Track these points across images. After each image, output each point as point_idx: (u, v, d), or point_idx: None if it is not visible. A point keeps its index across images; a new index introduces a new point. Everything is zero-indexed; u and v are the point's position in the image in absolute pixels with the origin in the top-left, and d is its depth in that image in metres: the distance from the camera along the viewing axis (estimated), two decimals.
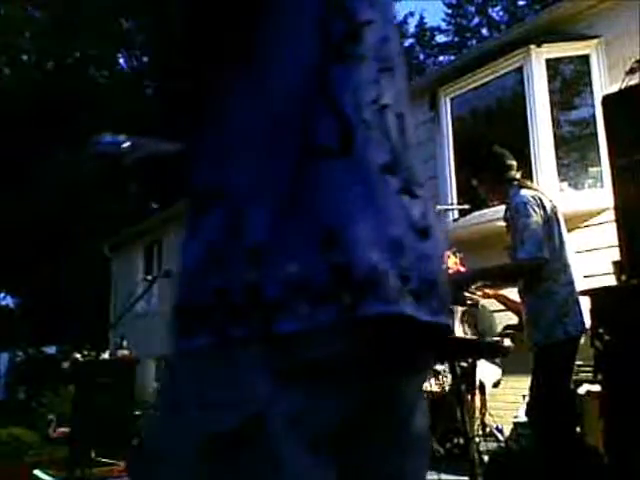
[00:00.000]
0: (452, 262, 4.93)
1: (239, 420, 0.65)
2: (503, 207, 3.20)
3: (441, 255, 0.88)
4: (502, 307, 4.55)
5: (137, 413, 7.58)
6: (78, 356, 7.56)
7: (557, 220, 3.02)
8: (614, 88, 4.25)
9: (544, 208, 2.97)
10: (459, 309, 5.00)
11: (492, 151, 3.30)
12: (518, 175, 3.18)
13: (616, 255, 3.15)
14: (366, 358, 0.72)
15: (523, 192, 3.01)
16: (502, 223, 3.21)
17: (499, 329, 4.91)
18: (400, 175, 0.82)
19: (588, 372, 3.70)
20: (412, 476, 0.87)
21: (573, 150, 5.91)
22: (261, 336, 0.67)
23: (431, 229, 0.83)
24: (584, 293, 2.94)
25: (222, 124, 0.80)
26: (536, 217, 2.90)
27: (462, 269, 4.79)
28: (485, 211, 5.03)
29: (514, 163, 3.20)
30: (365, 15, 0.84)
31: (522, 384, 4.36)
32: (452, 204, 6.19)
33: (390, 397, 0.82)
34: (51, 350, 14.91)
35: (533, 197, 2.98)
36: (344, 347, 0.69)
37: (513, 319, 4.24)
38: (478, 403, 4.95)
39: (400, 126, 0.88)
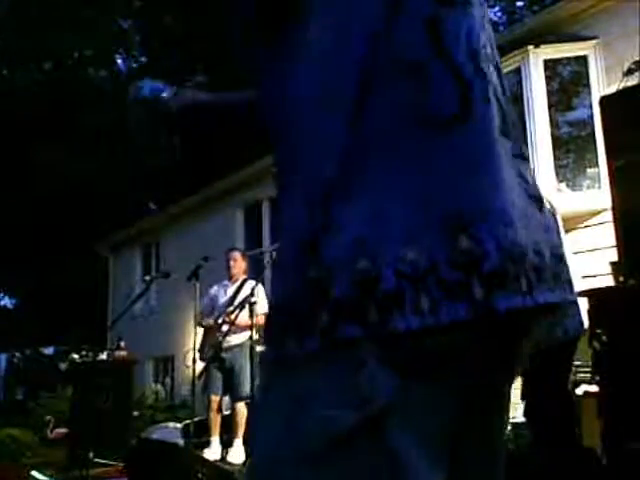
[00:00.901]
0: None
1: (360, 419, 0.61)
2: None
3: (557, 225, 0.78)
4: None
5: (135, 414, 7.58)
6: (76, 357, 7.55)
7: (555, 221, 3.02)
8: (612, 89, 4.26)
9: None
10: None
11: None
12: None
13: (614, 256, 3.15)
14: (484, 353, 0.66)
15: None
16: None
17: None
18: (511, 136, 0.73)
19: (586, 373, 3.70)
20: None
21: (571, 151, 5.92)
22: (377, 334, 0.60)
23: (543, 197, 0.75)
24: (582, 294, 2.94)
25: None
26: None
27: None
28: None
29: None
30: None
31: (520, 384, 4.36)
32: None
33: (493, 397, 0.77)
34: (49, 351, 14.90)
35: None
36: (467, 343, 0.62)
37: None
38: None
39: (501, 78, 0.77)
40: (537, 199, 0.72)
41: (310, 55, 0.68)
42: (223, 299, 5.62)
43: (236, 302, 5.44)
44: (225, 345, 5.27)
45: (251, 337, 5.27)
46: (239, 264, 5.80)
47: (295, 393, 0.64)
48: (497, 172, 0.65)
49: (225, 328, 5.33)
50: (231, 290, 5.64)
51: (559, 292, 0.69)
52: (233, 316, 5.18)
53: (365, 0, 0.67)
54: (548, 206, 0.75)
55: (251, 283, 5.65)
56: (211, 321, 5.54)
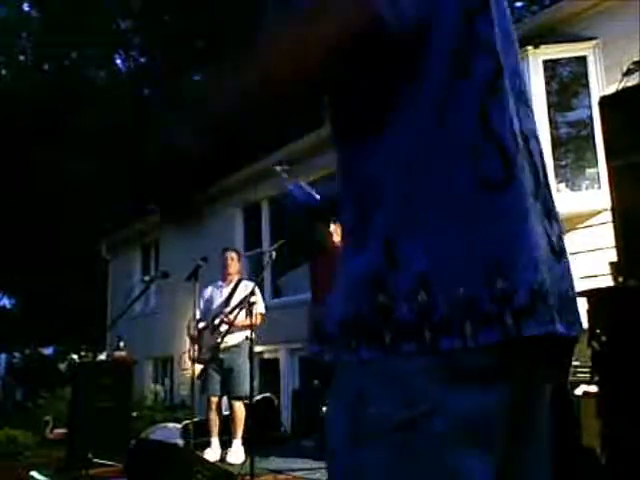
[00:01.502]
0: None
1: (408, 416, 0.77)
2: None
3: (570, 273, 0.98)
4: None
5: (134, 414, 7.57)
6: (75, 357, 7.55)
7: None
8: (611, 89, 4.26)
9: None
10: None
11: None
12: None
13: (613, 256, 3.15)
14: (517, 367, 0.82)
15: None
16: None
17: None
18: (541, 198, 0.93)
19: (585, 373, 3.70)
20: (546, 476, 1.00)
21: (570, 151, 5.92)
22: (429, 351, 0.77)
23: (564, 251, 0.96)
24: (581, 294, 2.94)
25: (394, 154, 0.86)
26: None
27: None
28: None
29: None
30: (498, 55, 0.92)
31: None
32: None
33: (533, 403, 0.92)
34: (48, 351, 14.91)
35: None
36: (500, 360, 0.79)
37: None
38: None
39: (539, 149, 0.99)
40: (558, 253, 0.92)
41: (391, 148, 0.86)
42: (219, 300, 5.62)
43: (233, 302, 5.45)
44: (223, 346, 5.27)
45: (247, 337, 5.33)
46: (235, 264, 5.80)
47: (359, 390, 0.81)
48: (529, 229, 0.84)
49: (223, 329, 5.34)
50: (227, 291, 5.64)
51: (573, 327, 0.91)
52: (232, 316, 5.18)
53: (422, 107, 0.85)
54: (565, 258, 0.95)
55: (247, 283, 5.66)
56: (204, 323, 5.52)
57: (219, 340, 5.24)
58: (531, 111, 1.00)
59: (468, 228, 0.81)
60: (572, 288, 0.97)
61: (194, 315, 5.52)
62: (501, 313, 0.77)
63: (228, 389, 5.50)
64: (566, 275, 0.94)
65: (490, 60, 0.90)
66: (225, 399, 5.71)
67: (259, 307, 5.23)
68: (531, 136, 0.96)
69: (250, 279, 6.24)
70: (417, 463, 0.77)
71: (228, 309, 5.43)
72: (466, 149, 0.83)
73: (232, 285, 5.65)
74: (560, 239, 0.95)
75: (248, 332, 5.13)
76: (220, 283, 5.78)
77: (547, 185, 0.98)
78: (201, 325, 5.53)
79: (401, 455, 0.77)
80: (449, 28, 0.86)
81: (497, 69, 0.90)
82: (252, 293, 4.94)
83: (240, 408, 5.46)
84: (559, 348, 0.93)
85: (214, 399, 5.53)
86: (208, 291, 5.77)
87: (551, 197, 0.98)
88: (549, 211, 0.95)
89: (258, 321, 5.22)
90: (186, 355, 6.18)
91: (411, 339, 0.77)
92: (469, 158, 0.83)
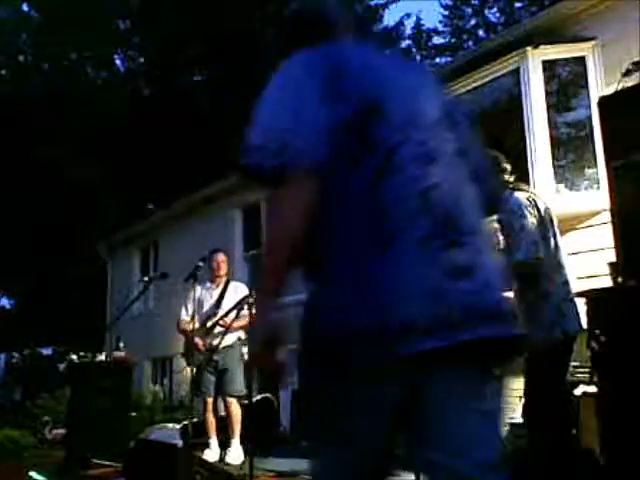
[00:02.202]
0: None
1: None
2: None
3: (485, 285, 1.28)
4: None
5: (133, 414, 7.57)
6: (74, 357, 7.54)
7: (551, 221, 3.03)
8: (610, 90, 4.26)
9: (538, 210, 2.97)
10: None
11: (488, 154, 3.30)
12: (512, 179, 3.18)
13: (612, 256, 3.15)
14: (406, 368, 1.22)
15: (517, 194, 3.02)
16: (497, 225, 3.21)
17: None
18: (439, 238, 1.27)
19: (584, 373, 3.71)
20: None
21: (569, 152, 5.92)
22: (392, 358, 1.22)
23: (473, 269, 1.27)
24: (581, 294, 2.94)
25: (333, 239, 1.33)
26: (531, 218, 2.91)
27: None
28: None
29: (508, 167, 3.20)
30: (395, 139, 1.32)
31: (518, 385, 4.36)
32: None
33: (423, 389, 1.28)
34: (47, 351, 14.87)
35: (527, 199, 2.98)
36: (389, 367, 1.22)
37: None
38: None
39: (452, 196, 1.33)
40: (464, 273, 1.26)
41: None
42: (210, 302, 5.60)
43: (224, 304, 5.46)
44: (216, 347, 5.28)
45: (239, 338, 5.49)
46: (225, 266, 5.78)
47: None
48: (407, 278, 1.24)
49: (217, 331, 5.36)
50: (216, 292, 5.63)
51: (483, 330, 1.24)
52: (229, 318, 5.19)
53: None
54: (477, 272, 1.28)
55: (235, 284, 5.67)
56: (191, 325, 5.49)
57: (215, 342, 5.24)
58: (444, 164, 1.35)
59: (362, 280, 1.25)
60: (493, 294, 1.29)
61: (189, 318, 5.50)
62: (380, 336, 1.20)
63: (222, 388, 5.51)
64: (473, 290, 1.25)
65: (379, 147, 1.31)
66: (221, 400, 5.71)
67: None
68: (433, 188, 1.30)
69: (249, 280, 6.24)
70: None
71: (222, 311, 5.43)
72: (365, 223, 1.28)
73: (221, 287, 5.65)
74: (470, 260, 1.27)
75: (240, 333, 5.35)
76: (209, 284, 5.74)
77: (455, 218, 1.30)
78: (190, 327, 5.50)
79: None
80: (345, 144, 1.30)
81: (388, 152, 1.31)
82: (251, 294, 4.95)
83: (236, 407, 5.46)
84: (464, 353, 1.23)
85: (209, 399, 5.54)
86: (197, 294, 5.72)
87: (459, 227, 1.30)
88: (453, 242, 1.28)
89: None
90: (179, 356, 6.18)
91: (377, 350, 1.23)
92: (366, 229, 1.27)
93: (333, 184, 1.27)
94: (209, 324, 5.49)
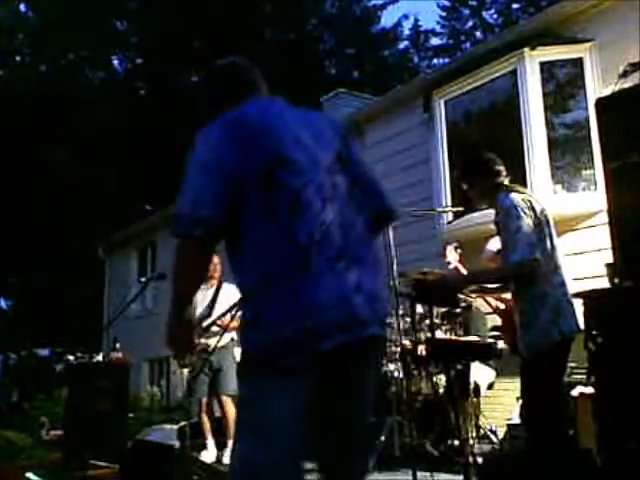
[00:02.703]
0: (453, 257, 4.92)
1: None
2: None
3: (373, 298, 1.75)
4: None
5: (131, 415, 7.56)
6: (71, 358, 7.53)
7: (547, 222, 3.02)
8: (608, 91, 4.27)
9: (534, 211, 2.97)
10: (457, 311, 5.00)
11: (480, 156, 3.30)
12: (507, 181, 3.18)
13: (609, 257, 3.16)
14: (321, 363, 1.67)
15: (512, 195, 3.01)
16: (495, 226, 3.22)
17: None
18: (344, 259, 1.71)
19: (581, 374, 3.71)
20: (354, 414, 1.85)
21: (567, 153, 5.93)
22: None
23: (362, 287, 1.71)
24: (577, 295, 2.95)
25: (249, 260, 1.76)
26: (527, 219, 2.90)
27: (459, 266, 4.78)
28: (479, 213, 5.03)
29: (502, 168, 3.20)
30: (301, 182, 1.72)
31: (516, 386, 4.36)
32: (446, 206, 6.20)
33: (335, 381, 1.74)
34: (44, 352, 14.85)
35: (523, 200, 2.98)
36: (310, 361, 1.66)
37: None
38: (472, 405, 4.95)
39: (344, 229, 1.74)
40: (356, 289, 1.71)
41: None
42: (203, 303, 5.61)
43: (218, 305, 5.48)
44: (211, 348, 5.29)
45: (232, 339, 5.55)
46: (219, 267, 5.79)
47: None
48: (318, 294, 1.65)
49: (213, 331, 5.39)
50: (210, 293, 5.64)
51: (356, 332, 1.70)
52: (226, 319, 5.20)
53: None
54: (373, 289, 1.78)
55: (227, 285, 5.68)
56: None
57: (210, 342, 5.27)
58: (339, 201, 1.77)
59: (285, 296, 1.65)
60: (365, 311, 1.70)
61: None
62: (307, 338, 1.63)
63: (217, 388, 5.53)
64: (369, 300, 1.72)
65: (288, 191, 1.68)
66: (216, 400, 5.72)
67: None
68: (333, 222, 1.72)
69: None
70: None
71: (217, 312, 5.45)
72: (283, 254, 1.67)
73: (214, 288, 5.67)
74: (360, 280, 1.72)
75: (233, 334, 5.40)
76: (202, 285, 5.75)
77: (349, 247, 1.72)
78: None
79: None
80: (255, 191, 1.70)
81: (296, 195, 1.69)
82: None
83: (231, 407, 5.47)
84: (347, 354, 1.70)
85: (204, 400, 5.57)
86: None
87: (357, 257, 1.74)
88: (360, 258, 1.74)
89: None
90: (171, 358, 6.18)
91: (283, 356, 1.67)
92: (285, 258, 1.66)
93: (253, 226, 1.70)
94: (204, 324, 5.50)
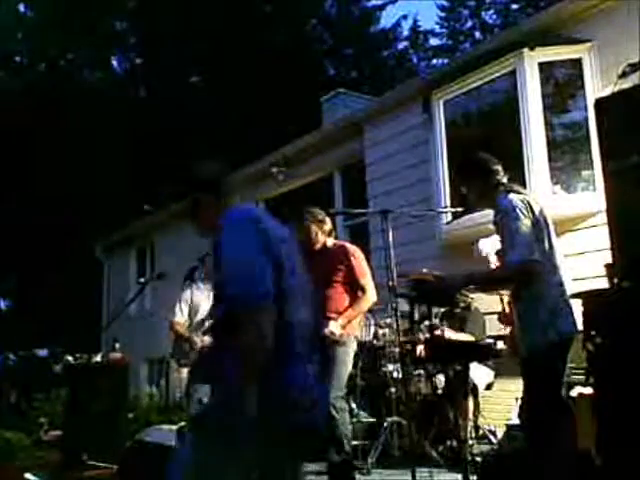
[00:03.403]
0: (490, 246, 4.81)
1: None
2: None
3: (323, 393, 2.29)
4: (494, 310, 4.55)
5: (130, 416, 7.55)
6: (70, 359, 7.52)
7: (546, 223, 3.02)
8: (607, 91, 4.27)
9: (532, 211, 2.96)
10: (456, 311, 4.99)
11: (477, 158, 3.29)
12: (505, 179, 3.17)
13: (608, 258, 3.16)
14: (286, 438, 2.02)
15: (511, 196, 3.01)
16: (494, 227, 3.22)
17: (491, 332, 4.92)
18: (308, 355, 2.08)
19: (580, 375, 3.71)
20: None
21: (566, 153, 5.93)
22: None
23: (317, 377, 2.09)
24: (576, 296, 2.95)
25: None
26: (525, 220, 2.90)
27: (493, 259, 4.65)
28: (478, 214, 5.03)
29: (499, 168, 3.19)
30: (288, 284, 2.04)
31: (515, 386, 4.36)
32: (445, 207, 6.20)
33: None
34: (43, 353, 14.84)
35: (522, 200, 2.98)
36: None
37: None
38: (471, 405, 4.95)
39: (311, 325, 2.12)
40: (316, 376, 2.10)
41: None
42: (207, 302, 5.58)
43: None
44: None
45: None
46: None
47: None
48: (297, 385, 2.02)
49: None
50: (212, 294, 5.61)
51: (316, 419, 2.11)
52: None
53: None
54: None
55: None
56: (185, 327, 5.48)
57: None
58: (307, 300, 2.13)
59: (274, 383, 1.92)
60: (315, 404, 2.05)
61: (184, 320, 5.49)
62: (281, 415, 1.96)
63: None
64: (319, 392, 2.10)
65: (282, 293, 2.01)
66: None
67: None
68: (304, 319, 2.07)
69: None
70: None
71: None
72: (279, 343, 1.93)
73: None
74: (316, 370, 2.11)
75: None
76: (201, 285, 5.72)
77: (312, 343, 2.11)
78: (184, 328, 5.48)
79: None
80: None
81: (286, 296, 2.02)
82: None
83: None
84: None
85: (205, 400, 5.54)
86: (188, 293, 5.70)
87: (314, 349, 2.11)
88: (310, 358, 2.08)
89: None
90: (169, 357, 6.16)
91: None
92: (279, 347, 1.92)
93: None
94: (207, 324, 5.47)
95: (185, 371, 5.58)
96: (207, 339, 5.41)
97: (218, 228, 2.13)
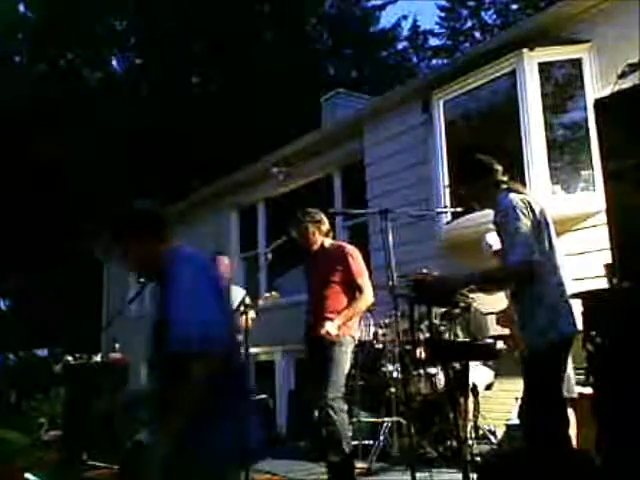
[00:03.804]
0: (494, 240, 4.80)
1: None
2: None
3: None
4: (494, 310, 4.56)
5: (130, 416, 7.54)
6: (70, 359, 7.52)
7: (546, 223, 3.02)
8: (606, 92, 4.27)
9: (533, 211, 2.97)
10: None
11: (477, 158, 3.29)
12: (505, 178, 3.18)
13: (608, 258, 3.16)
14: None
15: (511, 196, 3.01)
16: (494, 227, 3.22)
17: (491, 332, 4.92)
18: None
19: (580, 375, 3.71)
20: None
21: (565, 153, 5.93)
22: None
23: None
24: (576, 296, 2.95)
25: None
26: (526, 220, 2.90)
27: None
28: (478, 214, 5.03)
29: (499, 168, 3.19)
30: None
31: (515, 386, 4.36)
32: (445, 207, 6.20)
33: None
34: (43, 353, 14.84)
35: (522, 200, 2.98)
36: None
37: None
38: (471, 405, 4.95)
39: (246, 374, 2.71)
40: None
41: None
42: None
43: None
44: None
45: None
46: (227, 269, 5.78)
47: None
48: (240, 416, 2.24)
49: None
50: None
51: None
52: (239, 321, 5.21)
53: None
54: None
55: (233, 287, 5.67)
56: None
57: None
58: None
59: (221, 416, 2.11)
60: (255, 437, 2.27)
61: None
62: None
63: None
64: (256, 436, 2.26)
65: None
66: None
67: (251, 312, 5.26)
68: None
69: (244, 281, 6.24)
70: None
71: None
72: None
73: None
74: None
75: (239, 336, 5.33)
76: None
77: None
78: None
79: None
80: None
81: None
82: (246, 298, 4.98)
83: None
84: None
85: None
86: None
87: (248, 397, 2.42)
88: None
89: (250, 325, 5.25)
90: None
91: None
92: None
93: None
94: None
95: None
96: None
97: (162, 263, 2.17)
